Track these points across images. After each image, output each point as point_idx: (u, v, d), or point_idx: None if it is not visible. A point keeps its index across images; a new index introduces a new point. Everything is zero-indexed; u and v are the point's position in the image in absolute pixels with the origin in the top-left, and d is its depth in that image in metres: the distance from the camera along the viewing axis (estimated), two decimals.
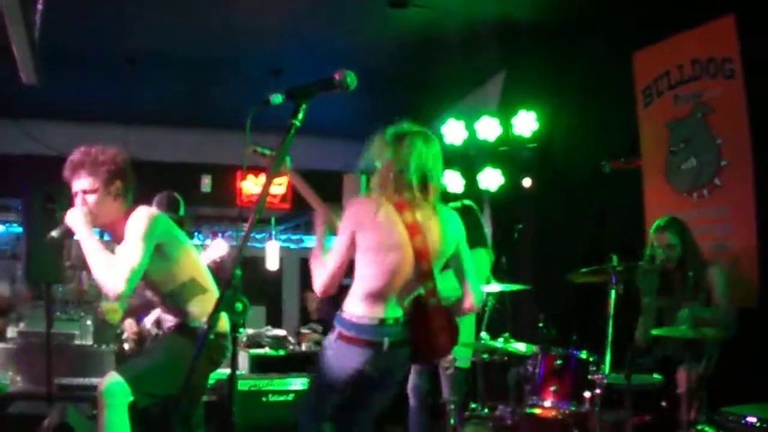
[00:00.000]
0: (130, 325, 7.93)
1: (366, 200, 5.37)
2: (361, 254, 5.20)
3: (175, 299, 6.02)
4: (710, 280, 7.20)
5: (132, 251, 5.58)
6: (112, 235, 6.04)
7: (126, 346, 8.11)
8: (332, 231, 5.58)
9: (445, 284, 5.49)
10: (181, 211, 8.32)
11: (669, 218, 7.52)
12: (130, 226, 5.67)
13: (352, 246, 5.20)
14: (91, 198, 5.80)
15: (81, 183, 5.84)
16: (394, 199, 5.20)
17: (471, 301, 5.45)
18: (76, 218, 5.70)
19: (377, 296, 5.18)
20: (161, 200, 8.31)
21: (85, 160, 5.87)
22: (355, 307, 5.22)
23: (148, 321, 7.75)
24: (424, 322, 5.23)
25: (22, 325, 12.15)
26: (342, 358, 5.22)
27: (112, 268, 5.53)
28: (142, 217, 5.71)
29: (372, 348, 5.14)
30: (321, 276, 5.27)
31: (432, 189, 5.30)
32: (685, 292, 7.09)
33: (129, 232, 5.66)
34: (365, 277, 5.21)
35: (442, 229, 5.29)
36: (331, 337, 5.31)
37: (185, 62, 11.37)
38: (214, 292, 6.09)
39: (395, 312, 5.21)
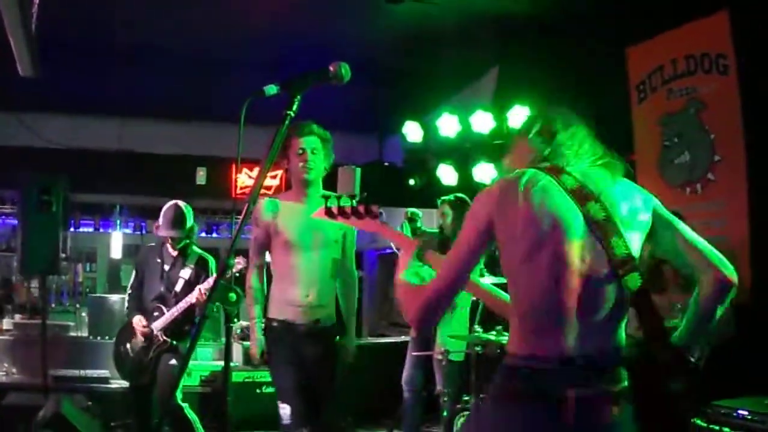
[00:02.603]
0: (139, 321, 7.90)
1: (503, 179, 3.55)
2: (509, 255, 3.40)
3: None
4: None
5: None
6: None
7: (128, 347, 8.10)
8: (420, 258, 3.78)
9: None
10: (189, 222, 8.17)
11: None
12: None
13: (482, 244, 3.44)
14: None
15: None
16: (543, 165, 3.52)
17: (721, 277, 3.49)
18: None
19: (549, 318, 3.29)
20: (165, 215, 8.21)
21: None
22: (517, 344, 3.38)
23: (158, 326, 7.79)
24: (648, 358, 3.33)
25: (18, 317, 12.17)
26: (507, 425, 3.34)
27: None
28: None
29: (546, 406, 3.22)
30: (416, 299, 3.47)
31: (588, 143, 3.60)
32: (679, 289, 7.09)
33: None
34: (522, 290, 3.39)
35: (625, 191, 3.51)
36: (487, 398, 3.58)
37: (182, 56, 11.37)
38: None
39: (588, 342, 3.27)
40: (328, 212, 3.94)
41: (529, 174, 3.44)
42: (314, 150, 6.20)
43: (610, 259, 3.27)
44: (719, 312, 3.52)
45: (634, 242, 3.37)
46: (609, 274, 3.27)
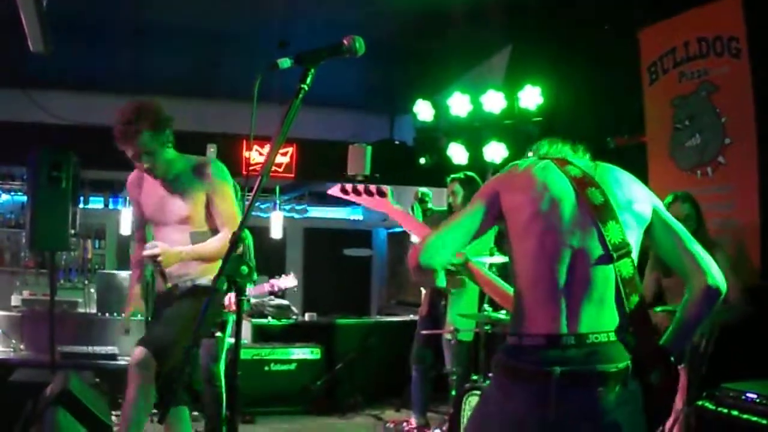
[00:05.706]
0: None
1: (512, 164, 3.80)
2: (510, 226, 3.58)
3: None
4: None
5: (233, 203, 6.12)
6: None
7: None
8: None
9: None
10: None
11: (685, 192, 7.41)
12: (222, 177, 6.21)
13: (490, 215, 3.59)
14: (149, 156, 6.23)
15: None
16: (550, 156, 3.78)
17: (710, 284, 3.47)
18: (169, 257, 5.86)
19: (540, 294, 3.43)
20: None
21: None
22: (515, 320, 3.55)
23: None
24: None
25: (26, 293, 12.19)
26: (499, 399, 3.47)
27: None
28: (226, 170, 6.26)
29: (537, 382, 3.30)
30: (419, 241, 3.61)
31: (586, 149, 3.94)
32: None
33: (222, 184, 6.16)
34: (518, 265, 3.55)
35: (625, 182, 3.65)
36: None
37: (192, 33, 11.35)
38: None
39: (578, 321, 3.35)
40: (342, 190, 4.14)
41: (536, 160, 3.73)
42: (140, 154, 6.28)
43: (604, 242, 3.39)
44: (704, 319, 3.57)
45: (631, 230, 3.48)
46: (603, 257, 3.39)
